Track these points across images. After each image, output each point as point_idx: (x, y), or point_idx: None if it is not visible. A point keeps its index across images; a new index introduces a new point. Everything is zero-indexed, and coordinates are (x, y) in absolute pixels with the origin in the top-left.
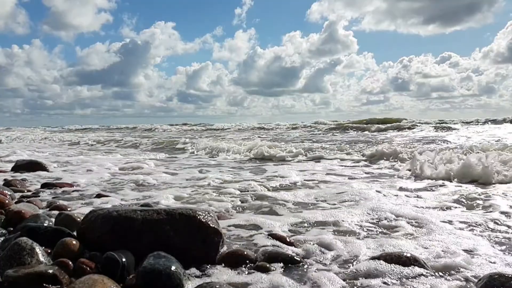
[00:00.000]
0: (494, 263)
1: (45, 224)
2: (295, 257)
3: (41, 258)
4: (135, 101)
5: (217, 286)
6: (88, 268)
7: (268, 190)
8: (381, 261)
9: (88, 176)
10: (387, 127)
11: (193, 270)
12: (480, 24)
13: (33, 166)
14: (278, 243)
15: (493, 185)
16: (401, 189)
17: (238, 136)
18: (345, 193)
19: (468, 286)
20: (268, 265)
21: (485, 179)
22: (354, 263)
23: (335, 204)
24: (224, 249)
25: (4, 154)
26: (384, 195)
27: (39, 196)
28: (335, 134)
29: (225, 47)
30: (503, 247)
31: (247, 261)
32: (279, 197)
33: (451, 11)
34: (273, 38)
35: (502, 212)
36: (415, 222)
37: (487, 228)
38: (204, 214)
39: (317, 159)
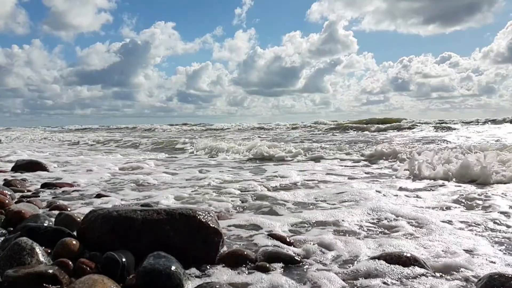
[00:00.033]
0: (494, 263)
1: (45, 224)
2: (295, 257)
3: (41, 258)
4: (135, 101)
5: (217, 286)
6: (88, 268)
7: (268, 190)
8: (381, 261)
9: (88, 176)
10: (387, 127)
11: (193, 270)
12: (480, 24)
13: (33, 166)
14: (278, 243)
15: (492, 185)
16: (401, 189)
17: (238, 136)
18: (345, 193)
19: (468, 286)
20: (268, 265)
21: (484, 179)
22: (354, 263)
23: (335, 204)
24: (224, 249)
25: (4, 154)
26: (384, 195)
27: (39, 196)
28: (335, 134)
29: (225, 47)
30: (503, 247)
31: (247, 261)
32: (279, 197)
33: (451, 11)
34: (273, 38)
35: (501, 212)
36: (415, 222)
37: (487, 228)
38: (204, 214)
39: (317, 159)
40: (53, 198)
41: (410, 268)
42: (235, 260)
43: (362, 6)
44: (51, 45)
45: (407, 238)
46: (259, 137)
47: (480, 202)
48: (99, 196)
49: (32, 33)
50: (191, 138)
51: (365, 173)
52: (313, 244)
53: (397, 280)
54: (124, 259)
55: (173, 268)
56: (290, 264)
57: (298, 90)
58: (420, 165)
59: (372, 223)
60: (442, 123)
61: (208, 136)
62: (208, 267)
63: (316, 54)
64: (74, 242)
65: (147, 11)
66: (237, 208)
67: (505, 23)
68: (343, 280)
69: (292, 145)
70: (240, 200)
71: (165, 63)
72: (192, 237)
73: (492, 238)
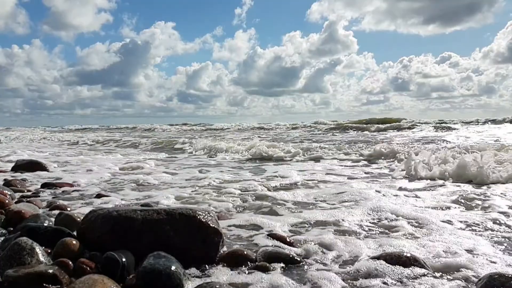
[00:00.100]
0: (495, 263)
1: (45, 224)
2: (295, 257)
3: (41, 258)
4: (135, 101)
5: (217, 286)
6: (88, 268)
7: (268, 190)
8: (381, 261)
9: (88, 176)
10: (387, 127)
11: (193, 270)
12: (480, 24)
13: (33, 166)
14: (278, 243)
15: (491, 185)
16: (400, 189)
17: (238, 136)
18: (345, 193)
19: (469, 286)
20: (268, 265)
21: (480, 179)
22: (354, 263)
23: (335, 204)
24: (224, 249)
25: (4, 154)
26: (384, 195)
27: (39, 196)
28: (335, 134)
29: (225, 47)
30: (503, 247)
31: (247, 261)
32: (279, 197)
33: (451, 11)
34: (273, 38)
35: (501, 212)
36: (415, 222)
37: (487, 228)
38: (204, 214)
39: (316, 159)
40: (53, 198)
41: (410, 268)
42: (235, 260)
43: (362, 6)
44: (51, 45)
45: (407, 238)
46: (259, 137)
47: (479, 202)
48: (99, 196)
49: (32, 33)
50: (191, 138)
51: (365, 173)
52: (313, 244)
53: (397, 280)
54: (124, 259)
55: (173, 268)
56: (290, 264)
57: (298, 90)
58: (416, 166)
59: (372, 223)
60: (442, 123)
61: (208, 136)
62: (208, 267)
63: (316, 54)
64: (74, 242)
65: (147, 11)
66: (237, 208)
67: (505, 23)
68: (343, 280)
69: (291, 145)
70: (240, 200)
71: (165, 63)
72: (192, 237)
73: (492, 238)
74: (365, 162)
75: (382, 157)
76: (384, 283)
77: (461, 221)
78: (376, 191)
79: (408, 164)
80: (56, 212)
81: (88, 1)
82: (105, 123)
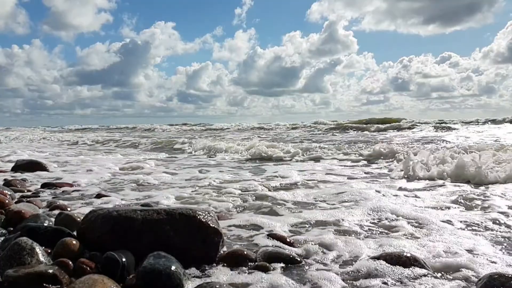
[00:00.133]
0: (495, 263)
1: (45, 224)
2: (295, 257)
3: (41, 258)
4: (135, 101)
5: (217, 286)
6: (88, 268)
7: (269, 190)
8: (382, 261)
9: (88, 176)
10: (387, 127)
11: (193, 270)
12: (480, 24)
13: (33, 166)
14: (278, 243)
15: (490, 185)
16: (400, 189)
17: (238, 136)
18: (345, 193)
19: (469, 286)
20: (268, 265)
21: (479, 179)
22: (354, 263)
23: (335, 204)
24: (224, 249)
25: (4, 154)
26: (384, 195)
27: (39, 196)
28: (335, 134)
29: (225, 47)
30: (503, 247)
31: (247, 261)
32: (279, 197)
33: (451, 11)
34: (273, 38)
35: (501, 212)
36: (415, 222)
37: (487, 228)
38: (204, 214)
39: (316, 159)
40: (53, 198)
41: (410, 268)
42: (235, 260)
43: (362, 6)
44: (51, 45)
45: (407, 238)
46: (258, 137)
47: (479, 202)
48: (99, 196)
49: (32, 33)
50: (191, 138)
51: (365, 173)
52: (313, 244)
53: (397, 281)
54: (124, 259)
55: (173, 268)
56: (290, 264)
57: (298, 90)
58: (414, 166)
59: (372, 223)
60: (442, 123)
61: (208, 136)
62: (208, 267)
63: (316, 54)
64: (74, 242)
65: (147, 11)
66: (237, 208)
67: (505, 23)
68: (343, 280)
69: (291, 145)
70: (240, 200)
71: (165, 63)
72: (192, 237)
73: (492, 238)
74: (365, 162)
75: (382, 157)
76: (384, 283)
77: (461, 221)
78: (376, 191)
79: (406, 164)
80: (56, 212)
81: (88, 1)
82: (105, 123)
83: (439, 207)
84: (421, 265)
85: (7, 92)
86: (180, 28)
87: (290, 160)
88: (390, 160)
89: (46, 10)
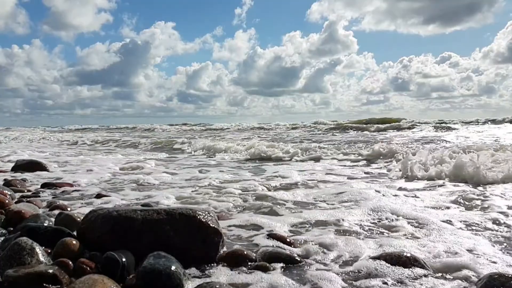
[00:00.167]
0: (495, 263)
1: (45, 224)
2: (295, 257)
3: (41, 258)
4: (135, 101)
5: (217, 286)
6: (88, 268)
7: (268, 190)
8: (382, 261)
9: (88, 176)
10: (387, 127)
11: (193, 270)
12: (480, 24)
13: (33, 166)
14: (278, 243)
15: (489, 185)
16: (400, 189)
17: (237, 136)
18: (345, 193)
19: (469, 286)
20: (268, 265)
21: (477, 179)
22: (354, 263)
23: (335, 204)
24: (224, 249)
25: (4, 154)
26: (384, 195)
27: (39, 196)
28: (335, 134)
29: (225, 47)
30: (503, 247)
31: (247, 261)
32: (279, 197)
33: (451, 11)
34: (273, 38)
35: (500, 212)
36: (415, 222)
37: (487, 228)
38: (204, 214)
39: (316, 159)
40: (53, 198)
41: (410, 268)
42: (235, 260)
43: (362, 6)
44: (51, 45)
45: (407, 238)
46: (258, 137)
47: (478, 202)
48: (99, 196)
49: (32, 33)
50: (190, 138)
51: (364, 173)
52: (313, 244)
53: (397, 281)
54: (124, 259)
55: (173, 268)
56: (290, 264)
57: (298, 90)
58: (412, 166)
59: (372, 223)
60: (442, 123)
61: (208, 136)
62: (208, 267)
63: (316, 54)
64: (74, 242)
65: (147, 11)
66: (237, 208)
67: (505, 23)
68: (343, 280)
69: (291, 145)
70: (240, 200)
71: (165, 63)
72: (192, 237)
73: (492, 238)
74: (365, 162)
75: (381, 157)
76: (384, 283)
77: (461, 221)
78: (375, 191)
79: (404, 164)
80: (56, 212)
81: (88, 1)
82: (105, 123)
83: (439, 207)
84: (421, 265)
85: (7, 92)
86: (180, 28)
87: (290, 160)
88: (390, 160)
89: (46, 10)
